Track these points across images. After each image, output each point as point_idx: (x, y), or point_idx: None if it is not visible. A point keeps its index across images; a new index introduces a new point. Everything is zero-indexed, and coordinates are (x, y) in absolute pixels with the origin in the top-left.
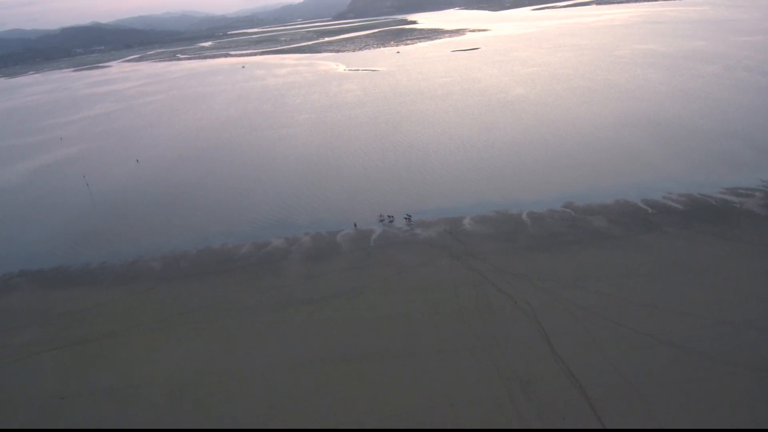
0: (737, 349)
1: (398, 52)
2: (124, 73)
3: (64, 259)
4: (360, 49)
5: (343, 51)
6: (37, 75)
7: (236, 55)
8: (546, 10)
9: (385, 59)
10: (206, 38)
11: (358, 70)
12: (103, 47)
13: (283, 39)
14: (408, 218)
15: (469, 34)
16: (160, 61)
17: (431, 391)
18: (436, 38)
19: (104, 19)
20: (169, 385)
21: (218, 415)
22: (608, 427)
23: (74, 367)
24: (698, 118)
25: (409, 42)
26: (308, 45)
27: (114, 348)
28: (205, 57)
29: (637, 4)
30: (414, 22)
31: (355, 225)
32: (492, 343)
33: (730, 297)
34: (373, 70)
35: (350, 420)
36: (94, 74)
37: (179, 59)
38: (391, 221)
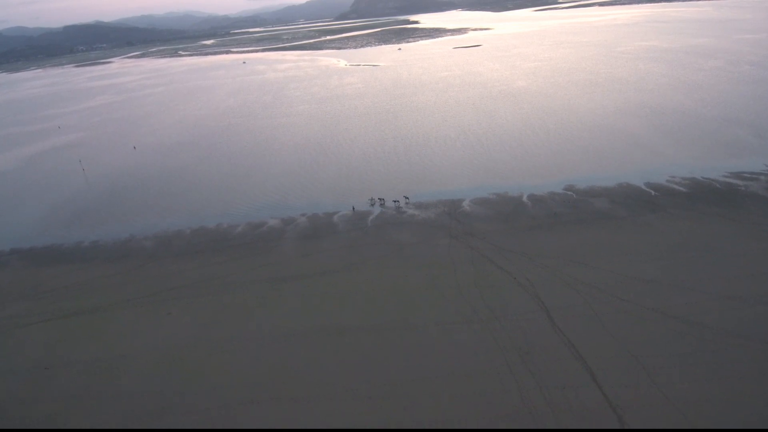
0: (745, 322)
1: (400, 49)
2: (125, 69)
3: (56, 238)
4: (362, 46)
5: (344, 48)
6: (38, 70)
7: (237, 52)
8: (548, 11)
9: (386, 55)
10: (208, 37)
11: (359, 65)
12: (105, 45)
13: (285, 37)
14: (398, 202)
15: (471, 33)
16: (161, 57)
17: (427, 362)
18: (438, 36)
19: (107, 18)
20: (157, 356)
21: (207, 384)
22: (611, 395)
23: (61, 339)
24: (701, 107)
25: (410, 40)
26: (310, 43)
27: (102, 321)
28: (207, 54)
29: (640, 5)
30: (416, 22)
31: (353, 208)
32: (490, 316)
33: (736, 274)
34: (374, 65)
35: (342, 387)
36: (96, 70)
37: (181, 56)
38: (382, 204)
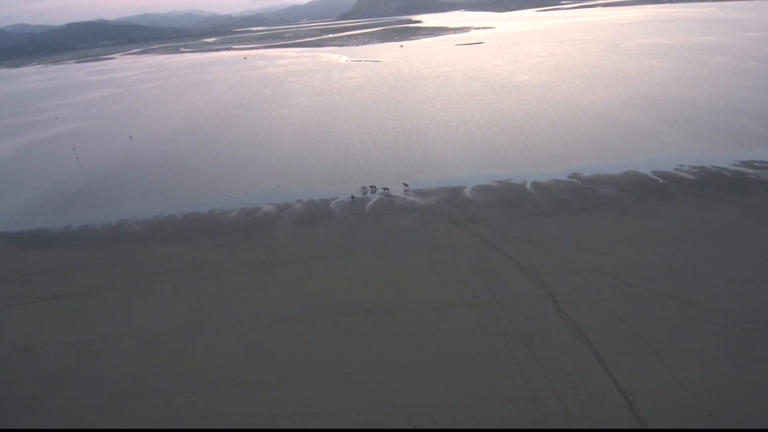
0: (759, 307)
1: (402, 46)
2: (126, 64)
3: (45, 222)
4: (363, 43)
5: (346, 45)
6: (39, 66)
7: (239, 49)
8: (551, 11)
9: (388, 52)
10: (210, 35)
11: (360, 60)
12: (107, 42)
13: (286, 35)
14: (387, 189)
15: (473, 32)
16: (162, 53)
17: (425, 346)
18: (440, 35)
19: (110, 16)
20: (142, 339)
21: (192, 367)
22: (620, 380)
23: (43, 322)
24: (707, 99)
25: (413, 38)
26: (311, 40)
27: (86, 304)
28: (208, 50)
29: (643, 5)
30: (418, 22)
31: (352, 197)
32: (491, 301)
33: (749, 259)
34: (375, 61)
35: (335, 371)
36: (96, 65)
37: (182, 52)
38: (373, 192)
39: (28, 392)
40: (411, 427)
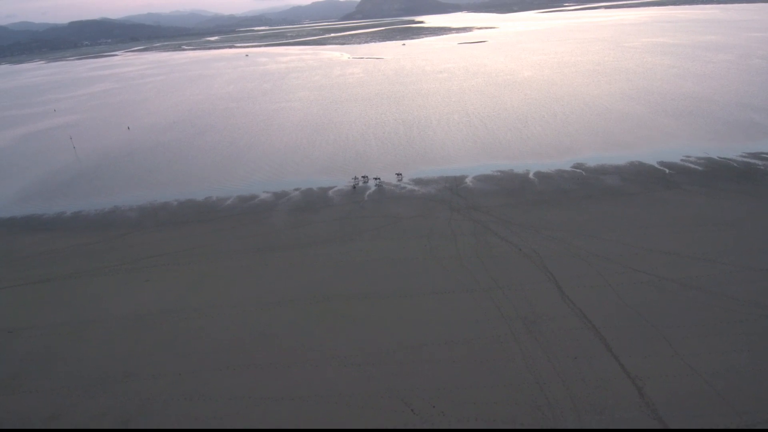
0: None
1: (404, 44)
2: (127, 60)
3: (38, 209)
4: (366, 42)
5: (348, 44)
6: (41, 62)
7: (241, 47)
8: (553, 12)
9: (390, 50)
10: (213, 34)
11: (362, 58)
12: (110, 40)
13: (289, 35)
14: (379, 179)
15: (476, 31)
16: (164, 51)
17: (423, 330)
18: (442, 34)
19: (113, 15)
20: (128, 322)
21: (179, 350)
22: (628, 365)
23: (29, 304)
24: (713, 94)
25: (415, 37)
26: (314, 39)
27: (74, 287)
28: (210, 48)
29: (646, 7)
30: (421, 22)
31: (354, 187)
32: (493, 286)
33: (759, 246)
34: (377, 58)
35: (328, 354)
36: (98, 61)
37: (184, 50)
38: (365, 183)
39: (10, 373)
40: (409, 409)
